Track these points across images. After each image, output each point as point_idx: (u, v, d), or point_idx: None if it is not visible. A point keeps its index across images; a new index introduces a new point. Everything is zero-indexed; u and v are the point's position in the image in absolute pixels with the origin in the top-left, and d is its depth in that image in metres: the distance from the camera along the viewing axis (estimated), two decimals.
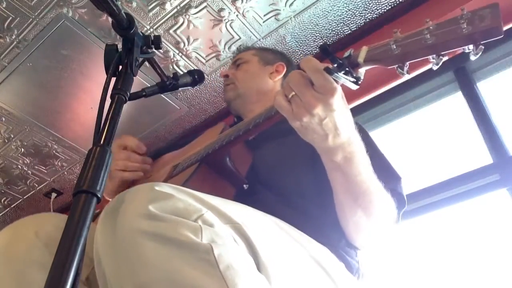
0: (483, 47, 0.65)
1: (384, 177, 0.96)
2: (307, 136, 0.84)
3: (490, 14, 0.63)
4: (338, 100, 0.78)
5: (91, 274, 0.87)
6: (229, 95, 1.43)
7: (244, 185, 1.07)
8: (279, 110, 0.82)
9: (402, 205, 1.04)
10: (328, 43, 2.20)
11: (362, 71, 0.78)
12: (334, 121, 0.80)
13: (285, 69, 1.46)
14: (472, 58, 0.67)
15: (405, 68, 0.73)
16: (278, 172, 1.11)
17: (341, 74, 0.76)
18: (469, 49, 0.67)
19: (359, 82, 0.78)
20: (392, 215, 1.00)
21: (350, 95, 0.82)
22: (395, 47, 0.72)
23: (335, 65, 0.75)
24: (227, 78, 1.46)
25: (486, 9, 0.64)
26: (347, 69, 0.76)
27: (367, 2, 2.03)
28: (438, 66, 0.70)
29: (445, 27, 0.67)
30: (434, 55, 0.69)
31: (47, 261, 0.82)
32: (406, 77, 0.75)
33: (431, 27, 0.69)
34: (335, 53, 0.75)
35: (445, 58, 0.70)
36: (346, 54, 0.78)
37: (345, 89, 0.80)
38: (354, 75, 0.77)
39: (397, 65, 0.73)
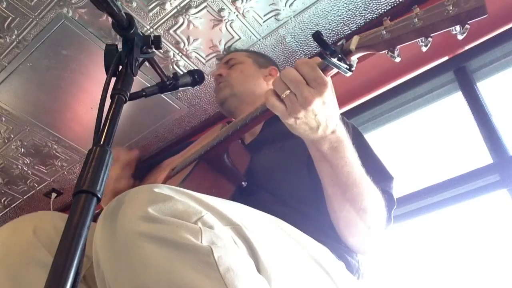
0: (468, 27, 0.68)
1: (376, 177, 0.97)
2: (299, 130, 0.85)
3: None
4: (329, 93, 0.80)
5: (88, 272, 0.87)
6: (224, 93, 1.38)
7: (243, 183, 1.07)
8: (272, 109, 0.84)
9: (391, 205, 1.04)
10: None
11: (354, 58, 0.81)
12: (326, 113, 0.82)
13: (278, 74, 1.44)
14: (459, 37, 0.69)
15: (396, 52, 0.75)
16: (275, 176, 1.11)
17: (334, 60, 0.78)
18: (455, 30, 0.69)
19: (352, 69, 0.81)
20: (382, 212, 1.00)
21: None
22: (385, 32, 0.75)
23: (328, 52, 0.78)
24: (220, 77, 1.42)
25: None
26: (339, 56, 0.78)
27: (367, 2, 2.02)
28: (427, 48, 0.73)
29: (432, 11, 0.71)
30: (423, 38, 0.72)
31: (45, 259, 0.83)
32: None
33: (418, 13, 0.72)
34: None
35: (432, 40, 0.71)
36: (339, 43, 0.81)
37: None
38: (347, 62, 0.80)
39: (387, 50, 0.76)
